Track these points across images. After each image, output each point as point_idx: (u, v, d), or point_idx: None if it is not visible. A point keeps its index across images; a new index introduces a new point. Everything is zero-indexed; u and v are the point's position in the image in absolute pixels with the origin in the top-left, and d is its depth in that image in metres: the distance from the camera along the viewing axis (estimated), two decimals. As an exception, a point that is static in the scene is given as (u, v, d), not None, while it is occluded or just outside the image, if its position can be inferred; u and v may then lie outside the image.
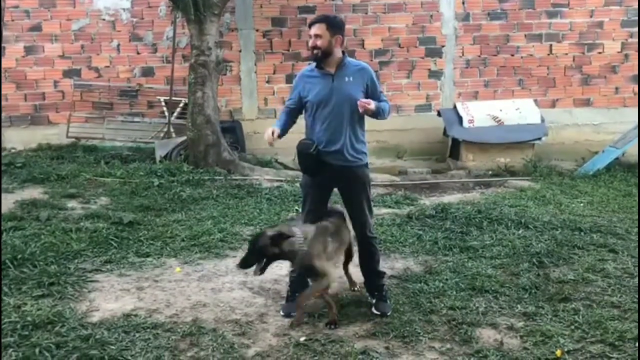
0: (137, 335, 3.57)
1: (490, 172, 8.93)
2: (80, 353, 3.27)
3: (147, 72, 9.73)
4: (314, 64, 3.94)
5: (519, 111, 9.32)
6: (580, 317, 3.84)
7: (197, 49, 8.29)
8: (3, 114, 9.46)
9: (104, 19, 9.61)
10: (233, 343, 3.52)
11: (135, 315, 3.85)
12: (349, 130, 3.86)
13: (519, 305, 4.05)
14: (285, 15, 9.83)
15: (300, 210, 5.41)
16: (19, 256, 4.55)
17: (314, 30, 3.82)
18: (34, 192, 6.83)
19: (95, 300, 4.10)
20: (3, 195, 6.70)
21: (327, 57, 3.85)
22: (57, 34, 9.54)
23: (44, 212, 5.94)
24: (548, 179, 8.31)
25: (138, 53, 9.72)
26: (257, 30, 9.83)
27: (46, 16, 9.50)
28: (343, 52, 3.93)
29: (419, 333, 3.65)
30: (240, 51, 9.85)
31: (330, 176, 3.91)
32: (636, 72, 10.02)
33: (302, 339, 3.58)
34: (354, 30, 9.89)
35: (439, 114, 9.66)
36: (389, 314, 3.90)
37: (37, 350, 3.28)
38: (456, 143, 9.43)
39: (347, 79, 3.86)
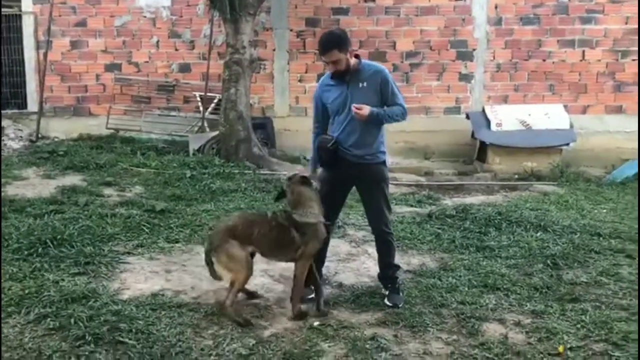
0: (163, 312, 3.84)
1: (516, 176, 8.94)
2: (111, 325, 3.55)
3: (184, 69, 10.08)
4: (329, 72, 4.11)
5: (547, 116, 9.31)
6: (587, 317, 3.93)
7: (232, 47, 8.58)
8: (48, 105, 9.96)
9: (145, 16, 10.00)
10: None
11: (162, 295, 4.13)
12: (365, 134, 4.01)
13: (528, 304, 4.16)
14: (319, 15, 10.05)
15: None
16: (59, 237, 4.87)
17: (329, 58, 3.91)
18: (74, 179, 7.22)
19: (126, 280, 4.39)
20: (46, 180, 7.15)
21: (349, 70, 4.00)
22: (100, 29, 9.98)
23: (82, 197, 6.31)
24: (574, 184, 8.30)
25: (176, 49, 10.08)
26: (291, 30, 10.08)
27: (91, 12, 9.95)
28: (357, 56, 4.06)
29: (428, 324, 3.81)
30: (274, 50, 10.11)
31: (348, 173, 4.09)
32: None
33: (315, 323, 3.78)
34: (385, 32, 10.05)
35: (467, 117, 9.74)
36: (400, 305, 4.05)
37: (72, 320, 3.57)
38: (483, 146, 9.48)
39: (361, 84, 4.00)
